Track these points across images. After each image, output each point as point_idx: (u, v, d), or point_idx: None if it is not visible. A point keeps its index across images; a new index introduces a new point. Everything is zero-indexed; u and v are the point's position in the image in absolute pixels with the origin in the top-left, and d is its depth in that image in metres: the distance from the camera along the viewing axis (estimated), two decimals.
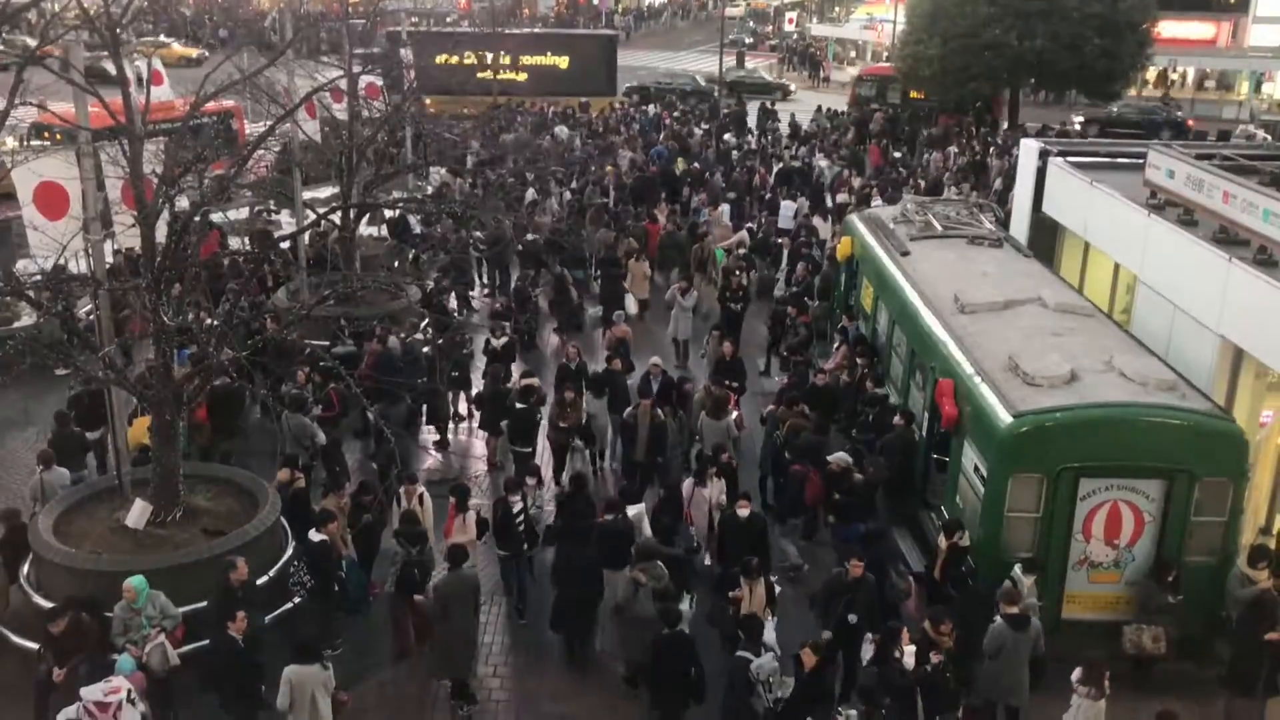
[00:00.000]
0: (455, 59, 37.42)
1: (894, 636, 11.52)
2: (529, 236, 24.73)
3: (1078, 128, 43.13)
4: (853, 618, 12.06)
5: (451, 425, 19.23)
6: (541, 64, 46.76)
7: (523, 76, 44.76)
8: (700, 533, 14.66)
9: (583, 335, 22.44)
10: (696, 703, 11.44)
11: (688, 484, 14.77)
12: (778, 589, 12.84)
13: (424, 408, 18.06)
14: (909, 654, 11.31)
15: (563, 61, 47.52)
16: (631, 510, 13.85)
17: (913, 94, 46.85)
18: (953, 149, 36.62)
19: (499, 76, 40.51)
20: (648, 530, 13.63)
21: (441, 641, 12.38)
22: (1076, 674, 11.34)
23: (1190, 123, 44.83)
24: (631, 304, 23.82)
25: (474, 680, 12.62)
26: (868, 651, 11.83)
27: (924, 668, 11.04)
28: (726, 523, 13.89)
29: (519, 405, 16.86)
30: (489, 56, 40.70)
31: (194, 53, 52.15)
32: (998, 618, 11.71)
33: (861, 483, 14.84)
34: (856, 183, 31.60)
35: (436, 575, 12.94)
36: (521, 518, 13.76)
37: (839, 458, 15.19)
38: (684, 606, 12.27)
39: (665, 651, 11.35)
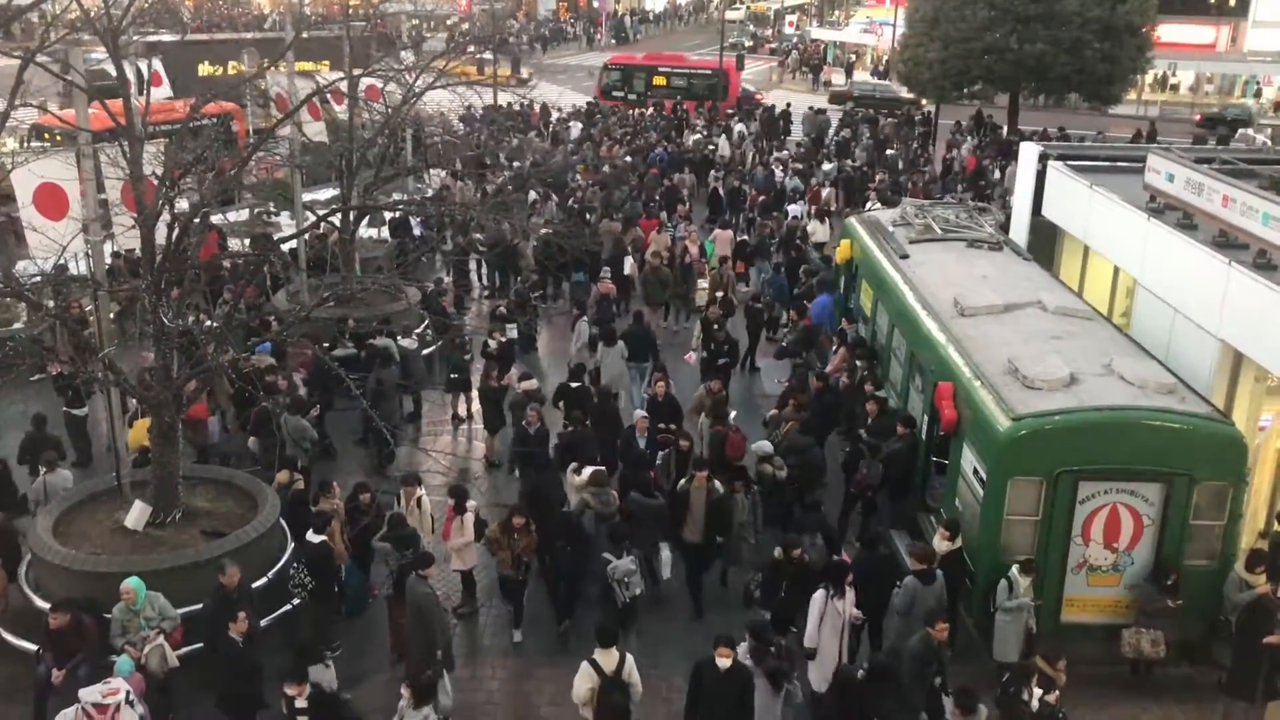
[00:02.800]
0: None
1: (1026, 676, 11.08)
2: (543, 233, 24.77)
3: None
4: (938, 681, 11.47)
5: (451, 426, 19.29)
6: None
7: None
8: (824, 675, 11.90)
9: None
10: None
11: (819, 596, 11.99)
12: None
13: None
14: (1036, 696, 10.84)
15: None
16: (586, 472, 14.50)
17: (656, 81, 48.53)
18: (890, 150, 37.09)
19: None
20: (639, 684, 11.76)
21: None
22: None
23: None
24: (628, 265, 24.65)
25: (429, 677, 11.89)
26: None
27: (1045, 705, 10.74)
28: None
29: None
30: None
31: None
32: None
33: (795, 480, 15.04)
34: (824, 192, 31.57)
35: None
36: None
37: (759, 446, 15.42)
38: (664, 554, 14.12)
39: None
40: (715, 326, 20.03)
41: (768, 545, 14.04)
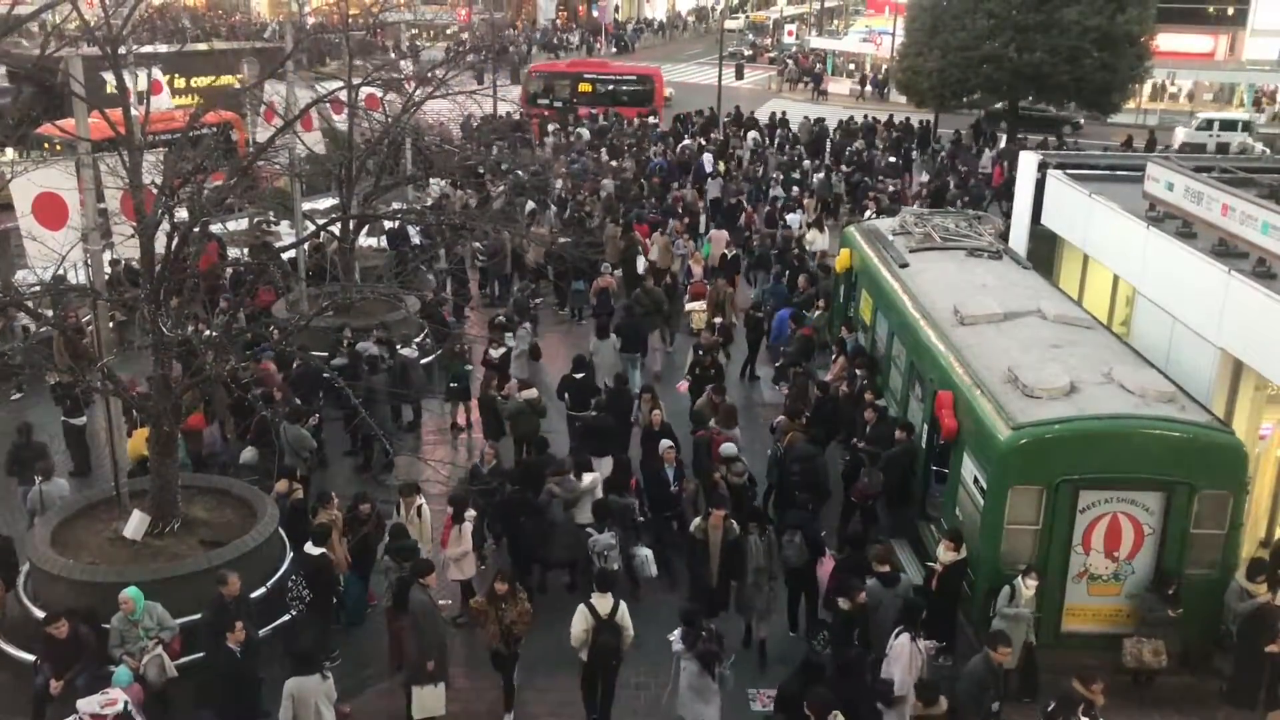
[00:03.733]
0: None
1: (1073, 704, 10.82)
2: (553, 241, 24.85)
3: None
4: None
5: (451, 435, 19.28)
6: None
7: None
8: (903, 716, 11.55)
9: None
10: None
11: (905, 642, 11.52)
12: None
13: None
14: None
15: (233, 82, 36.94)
16: (587, 479, 14.78)
17: (581, 87, 48.92)
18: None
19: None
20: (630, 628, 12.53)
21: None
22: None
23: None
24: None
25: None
26: None
27: None
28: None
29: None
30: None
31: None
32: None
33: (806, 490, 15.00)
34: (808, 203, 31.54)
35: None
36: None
37: (725, 448, 15.40)
38: (641, 552, 14.34)
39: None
40: (702, 352, 19.29)
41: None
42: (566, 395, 17.95)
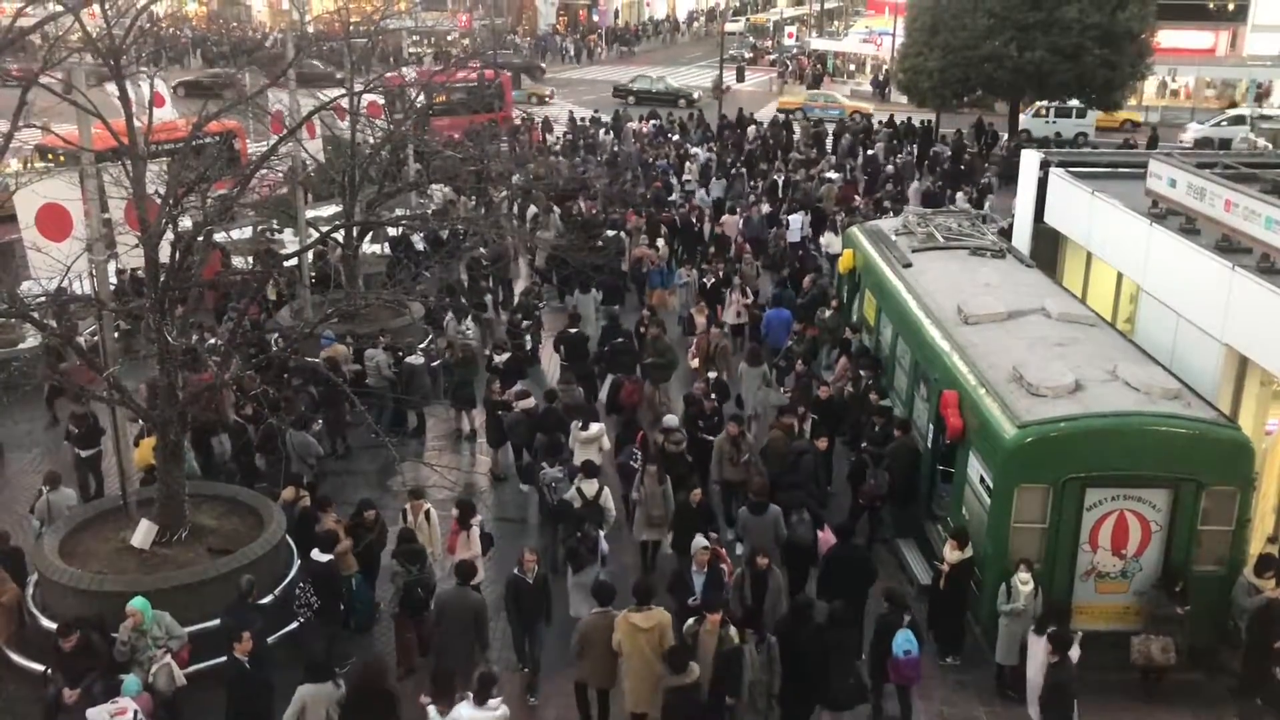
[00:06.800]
0: None
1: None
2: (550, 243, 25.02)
3: None
4: None
5: (457, 441, 19.30)
6: None
7: None
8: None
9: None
10: None
11: (1044, 647, 11.60)
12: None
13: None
14: None
15: None
16: (593, 428, 16.15)
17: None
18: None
19: None
20: (612, 510, 14.75)
21: (436, 655, 12.37)
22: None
23: None
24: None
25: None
26: None
27: None
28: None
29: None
30: None
31: None
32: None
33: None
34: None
35: (441, 589, 12.92)
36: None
37: (667, 419, 16.42)
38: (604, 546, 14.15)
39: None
40: (698, 397, 17.26)
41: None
42: (562, 348, 20.26)
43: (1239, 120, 46.07)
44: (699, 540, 13.36)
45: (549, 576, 13.19)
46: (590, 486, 14.36)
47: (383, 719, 10.84)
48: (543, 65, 68.68)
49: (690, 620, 11.76)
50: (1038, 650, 11.89)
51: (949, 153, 38.33)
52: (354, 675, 11.26)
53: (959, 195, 32.49)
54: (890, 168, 37.00)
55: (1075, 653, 11.63)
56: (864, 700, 12.15)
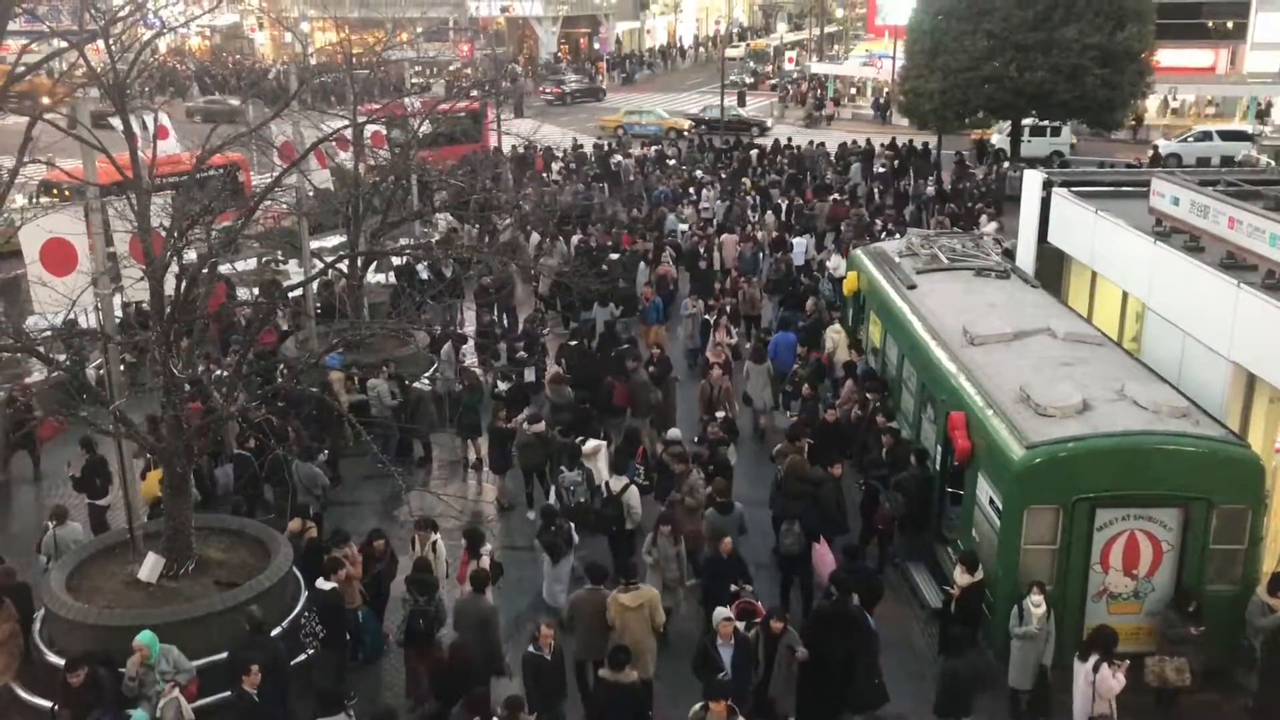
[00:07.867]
0: None
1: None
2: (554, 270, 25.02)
3: None
4: None
5: (463, 471, 19.26)
6: None
7: None
8: None
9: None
10: None
11: (1107, 674, 11.61)
12: None
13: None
14: None
15: None
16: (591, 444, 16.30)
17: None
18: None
19: None
20: (637, 507, 15.14)
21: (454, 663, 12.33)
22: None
23: None
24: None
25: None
26: None
27: None
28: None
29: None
30: None
31: None
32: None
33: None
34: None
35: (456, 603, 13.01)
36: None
37: (671, 433, 16.88)
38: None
39: None
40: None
41: None
42: (563, 361, 20.74)
43: (1205, 136, 46.05)
44: (720, 612, 12.17)
45: (564, 652, 12.26)
46: (617, 483, 14.99)
47: None
48: (604, 87, 71.14)
49: (696, 706, 10.73)
50: (1080, 679, 11.71)
51: (931, 190, 37.83)
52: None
53: (983, 219, 32.09)
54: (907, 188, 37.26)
55: (1120, 681, 11.50)
56: (886, 701, 12.25)
